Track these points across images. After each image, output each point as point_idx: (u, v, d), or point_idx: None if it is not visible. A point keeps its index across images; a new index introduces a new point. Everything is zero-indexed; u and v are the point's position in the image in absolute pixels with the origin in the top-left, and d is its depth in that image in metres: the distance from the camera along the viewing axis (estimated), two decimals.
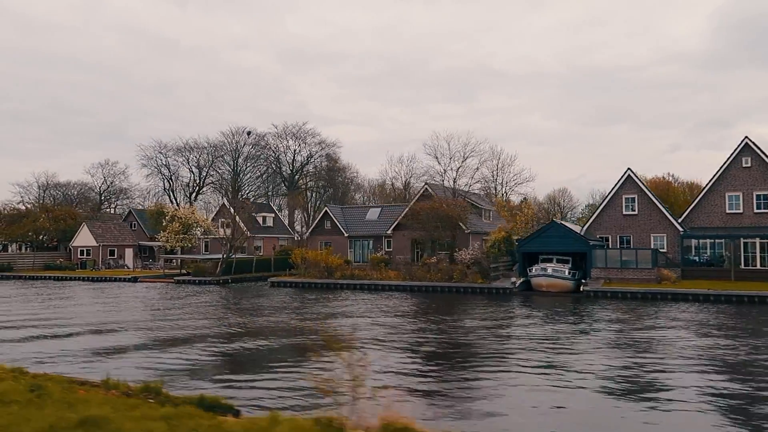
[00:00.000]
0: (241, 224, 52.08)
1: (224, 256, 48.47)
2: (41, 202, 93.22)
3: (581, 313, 28.28)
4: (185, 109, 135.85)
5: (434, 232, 41.93)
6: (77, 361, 16.74)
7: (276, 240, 68.47)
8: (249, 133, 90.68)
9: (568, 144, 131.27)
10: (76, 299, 36.03)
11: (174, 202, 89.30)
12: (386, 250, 54.31)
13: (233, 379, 15.01)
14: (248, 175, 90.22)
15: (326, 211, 57.74)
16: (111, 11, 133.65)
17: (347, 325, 24.41)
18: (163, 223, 60.87)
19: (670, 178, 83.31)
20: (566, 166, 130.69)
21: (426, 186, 51.08)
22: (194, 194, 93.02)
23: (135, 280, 49.87)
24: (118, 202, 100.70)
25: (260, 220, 66.42)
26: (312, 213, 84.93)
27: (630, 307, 29.49)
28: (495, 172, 76.94)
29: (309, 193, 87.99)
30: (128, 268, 61.90)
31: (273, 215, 71.94)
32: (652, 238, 43.19)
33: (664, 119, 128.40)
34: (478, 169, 46.83)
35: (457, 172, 46.25)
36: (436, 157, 48.07)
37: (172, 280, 48.29)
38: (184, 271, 54.00)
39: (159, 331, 22.70)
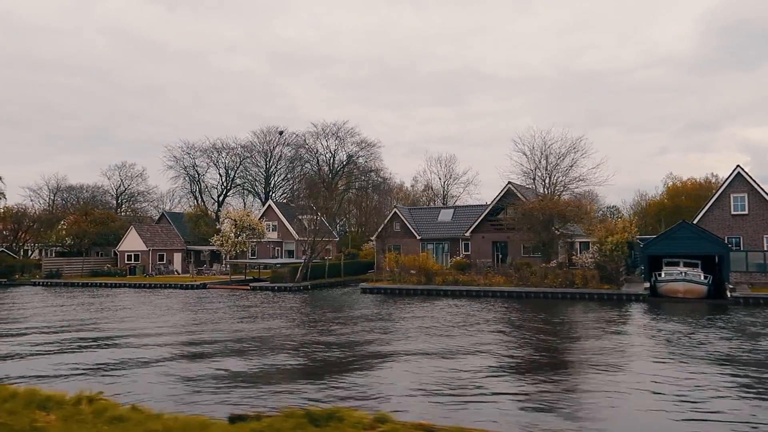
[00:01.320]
0: (322, 227, 48.93)
1: (306, 260, 45.27)
2: (53, 204, 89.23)
3: None
4: (174, 112, 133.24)
5: (543, 233, 39.27)
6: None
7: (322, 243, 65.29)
8: (281, 133, 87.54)
9: None
10: (195, 310, 32.47)
11: (204, 204, 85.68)
12: (464, 253, 51.60)
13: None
14: (282, 177, 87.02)
15: (395, 212, 54.85)
16: (99, 14, 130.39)
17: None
18: (216, 226, 57.51)
19: (713, 179, 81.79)
20: None
21: (509, 185, 48.41)
22: (221, 196, 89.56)
23: (204, 286, 46.40)
24: (136, 206, 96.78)
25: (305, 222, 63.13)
26: (328, 217, 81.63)
27: None
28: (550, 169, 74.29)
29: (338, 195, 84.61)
30: (177, 273, 58.31)
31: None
32: (765, 240, 40.99)
33: (652, 122, 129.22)
34: (571, 167, 43.93)
35: (555, 169, 43.50)
36: (525, 154, 45.34)
37: (247, 287, 44.92)
38: (249, 277, 50.70)
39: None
